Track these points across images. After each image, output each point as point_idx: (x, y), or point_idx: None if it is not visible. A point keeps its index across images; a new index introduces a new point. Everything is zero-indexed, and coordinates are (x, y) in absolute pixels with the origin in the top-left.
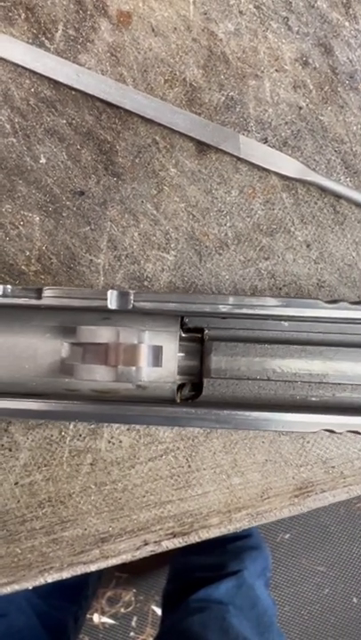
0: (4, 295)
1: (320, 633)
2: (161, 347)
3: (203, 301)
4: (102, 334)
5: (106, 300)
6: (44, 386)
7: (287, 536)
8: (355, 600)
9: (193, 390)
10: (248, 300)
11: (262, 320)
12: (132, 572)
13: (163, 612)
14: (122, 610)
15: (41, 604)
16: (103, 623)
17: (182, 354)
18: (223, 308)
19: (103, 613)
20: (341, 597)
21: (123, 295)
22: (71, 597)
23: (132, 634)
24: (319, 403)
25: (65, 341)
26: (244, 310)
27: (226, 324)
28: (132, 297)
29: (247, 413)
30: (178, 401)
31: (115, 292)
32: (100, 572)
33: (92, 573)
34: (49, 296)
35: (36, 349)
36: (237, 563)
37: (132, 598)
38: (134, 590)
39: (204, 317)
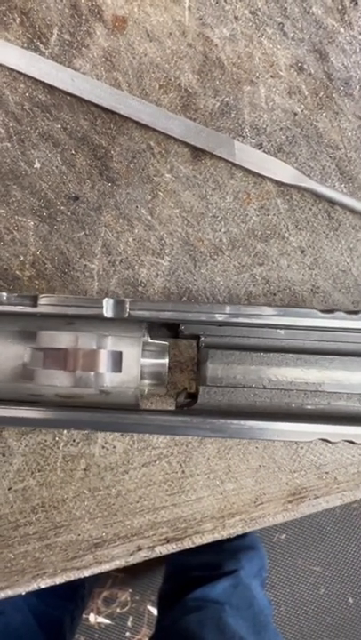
0: (0, 303)
1: (316, 633)
2: (120, 352)
3: (199, 310)
4: (62, 339)
5: (101, 308)
6: (6, 390)
7: (283, 536)
8: (351, 600)
9: (188, 397)
10: (244, 309)
11: (258, 328)
12: (129, 572)
13: (159, 611)
14: (118, 610)
15: (38, 602)
16: (99, 623)
17: (150, 360)
18: (219, 317)
19: (99, 613)
20: (337, 597)
21: (119, 303)
22: (68, 596)
23: (127, 634)
24: (315, 411)
25: (27, 346)
26: (241, 319)
27: (222, 331)
28: (127, 305)
29: (242, 422)
30: (140, 406)
31: (111, 301)
32: None
33: None
34: (44, 304)
35: None
36: (234, 562)
37: (128, 598)
38: (130, 590)
39: (200, 325)
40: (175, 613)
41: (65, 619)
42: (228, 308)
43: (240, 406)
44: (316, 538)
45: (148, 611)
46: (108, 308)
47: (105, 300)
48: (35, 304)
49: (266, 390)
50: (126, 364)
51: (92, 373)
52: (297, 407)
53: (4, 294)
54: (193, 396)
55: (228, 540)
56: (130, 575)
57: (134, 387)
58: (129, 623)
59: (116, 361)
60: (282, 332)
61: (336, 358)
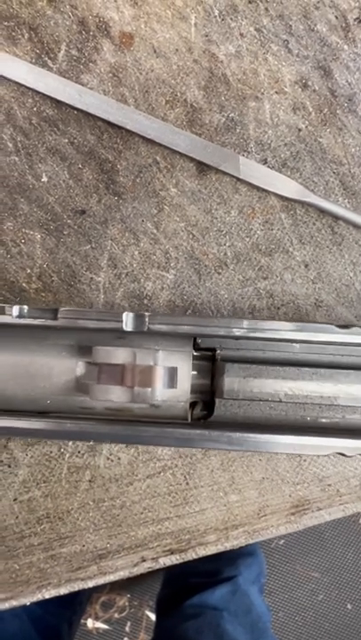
0: (21, 316)
1: (314, 639)
2: (176, 368)
3: (217, 324)
4: (118, 355)
5: (121, 321)
6: (58, 404)
7: (282, 542)
8: (349, 606)
9: (204, 409)
10: (261, 324)
11: (274, 342)
12: (127, 577)
13: (157, 617)
14: (116, 615)
15: (35, 608)
16: (97, 628)
17: (195, 372)
18: (237, 332)
19: (97, 618)
20: (336, 604)
21: (138, 317)
22: (66, 602)
23: (125, 639)
24: (329, 425)
25: (80, 360)
26: (258, 334)
27: (238, 345)
28: (147, 319)
29: (259, 436)
30: (189, 419)
31: (130, 315)
32: None
33: None
34: (64, 317)
35: (52, 368)
36: (232, 568)
37: (126, 603)
38: (128, 595)
39: (216, 338)
40: (173, 619)
41: (63, 625)
42: (245, 323)
43: (256, 419)
44: (315, 544)
45: (147, 616)
46: (127, 322)
47: (125, 314)
48: (55, 317)
49: (281, 404)
50: (178, 378)
51: (149, 389)
52: (312, 420)
53: (25, 307)
54: (209, 408)
55: None
56: (128, 580)
57: (185, 400)
58: (127, 628)
59: (172, 377)
60: (297, 346)
61: (352, 372)
